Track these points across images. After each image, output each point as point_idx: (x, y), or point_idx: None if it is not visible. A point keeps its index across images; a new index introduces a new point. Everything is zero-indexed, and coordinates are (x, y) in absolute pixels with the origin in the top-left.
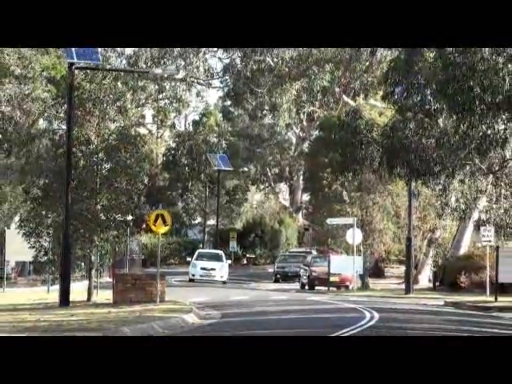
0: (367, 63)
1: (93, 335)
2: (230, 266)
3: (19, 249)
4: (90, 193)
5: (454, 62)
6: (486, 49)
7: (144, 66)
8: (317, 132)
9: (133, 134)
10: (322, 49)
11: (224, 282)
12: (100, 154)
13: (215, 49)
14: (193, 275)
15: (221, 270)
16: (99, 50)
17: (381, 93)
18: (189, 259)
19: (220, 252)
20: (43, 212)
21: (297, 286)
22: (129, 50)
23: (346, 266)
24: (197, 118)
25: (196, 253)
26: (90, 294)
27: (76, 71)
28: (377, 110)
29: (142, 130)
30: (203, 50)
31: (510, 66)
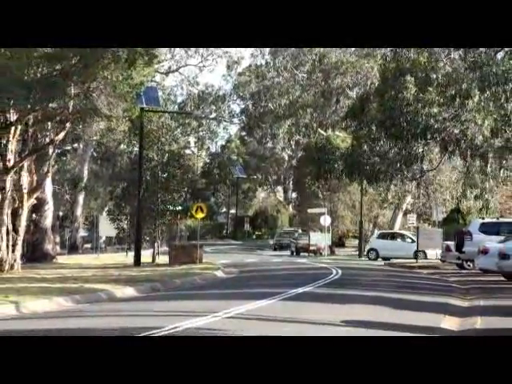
0: (334, 108)
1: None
2: (244, 239)
3: (108, 228)
4: (153, 192)
5: (389, 106)
6: (411, 97)
7: (189, 109)
8: (301, 152)
9: (176, 153)
10: (305, 98)
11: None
12: (158, 167)
13: (235, 97)
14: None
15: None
16: (160, 98)
17: (344, 127)
18: (368, 242)
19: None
20: (123, 205)
21: (288, 253)
22: (179, 99)
23: (320, 239)
24: (223, 143)
25: (385, 233)
26: (153, 257)
27: (145, 113)
28: (340, 139)
29: (188, 151)
30: (227, 98)
31: (425, 109)
